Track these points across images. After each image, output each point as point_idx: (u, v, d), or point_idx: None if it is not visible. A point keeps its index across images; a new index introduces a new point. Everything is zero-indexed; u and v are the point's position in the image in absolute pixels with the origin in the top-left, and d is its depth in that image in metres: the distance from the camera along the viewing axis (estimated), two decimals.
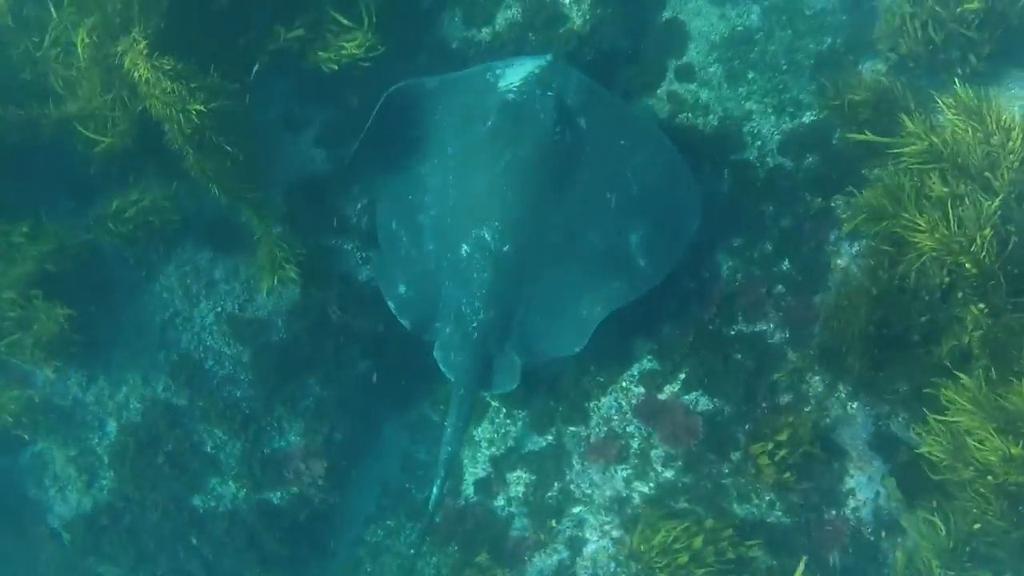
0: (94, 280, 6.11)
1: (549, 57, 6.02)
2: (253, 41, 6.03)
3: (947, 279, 5.01)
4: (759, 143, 6.50)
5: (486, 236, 5.89)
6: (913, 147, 5.27)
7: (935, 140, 5.17)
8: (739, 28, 6.68)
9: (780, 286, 6.21)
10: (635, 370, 6.34)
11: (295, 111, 6.49)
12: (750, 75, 6.59)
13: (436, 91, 6.14)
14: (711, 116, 6.64)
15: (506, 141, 5.87)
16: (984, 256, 4.78)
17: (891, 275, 5.24)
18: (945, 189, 4.98)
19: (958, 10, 5.62)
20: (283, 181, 6.43)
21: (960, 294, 4.98)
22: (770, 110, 6.53)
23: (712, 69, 6.69)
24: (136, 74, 5.28)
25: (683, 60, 6.78)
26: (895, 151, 5.40)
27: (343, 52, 6.06)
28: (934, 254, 4.95)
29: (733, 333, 6.22)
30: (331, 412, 6.57)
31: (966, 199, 4.90)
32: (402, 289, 6.22)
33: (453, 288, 6.06)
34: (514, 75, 5.95)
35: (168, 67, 5.27)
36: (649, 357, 6.34)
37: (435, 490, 5.90)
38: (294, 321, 6.46)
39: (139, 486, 6.31)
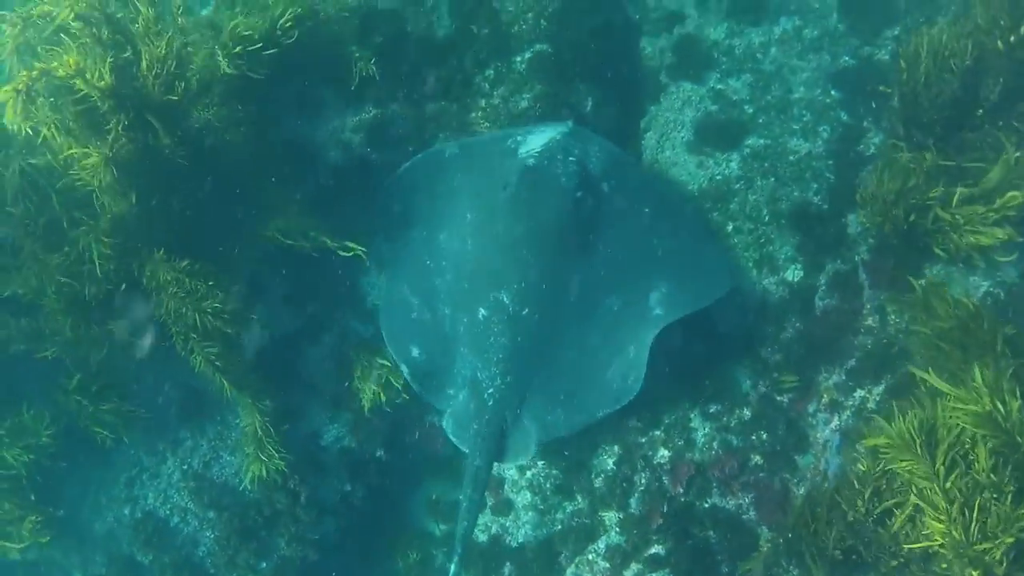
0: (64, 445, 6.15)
1: (571, 123, 5.94)
2: (243, 243, 6.11)
3: (938, 545, 4.29)
4: (740, 301, 6.12)
5: (504, 299, 5.70)
6: (971, 408, 4.31)
7: (999, 409, 4.23)
8: (718, 177, 6.32)
9: (757, 457, 5.81)
10: (602, 543, 5.99)
11: (262, 270, 6.40)
12: (729, 227, 6.20)
13: (455, 157, 6.10)
14: None
15: (526, 205, 5.74)
16: (997, 568, 4.10)
17: (871, 507, 4.63)
18: (993, 477, 4.13)
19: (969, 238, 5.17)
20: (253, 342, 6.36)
21: (945, 565, 4.27)
22: (751, 264, 6.13)
23: None
24: (158, 279, 5.46)
25: None
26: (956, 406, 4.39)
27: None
28: (940, 547, 4.23)
29: (706, 507, 5.83)
30: (293, 571, 6.42)
31: (1008, 497, 4.10)
32: (415, 352, 5.99)
33: (469, 354, 5.85)
34: (536, 141, 5.86)
35: (185, 265, 5.47)
36: (617, 530, 5.99)
37: (452, 567, 5.56)
38: (260, 480, 6.34)
39: None
